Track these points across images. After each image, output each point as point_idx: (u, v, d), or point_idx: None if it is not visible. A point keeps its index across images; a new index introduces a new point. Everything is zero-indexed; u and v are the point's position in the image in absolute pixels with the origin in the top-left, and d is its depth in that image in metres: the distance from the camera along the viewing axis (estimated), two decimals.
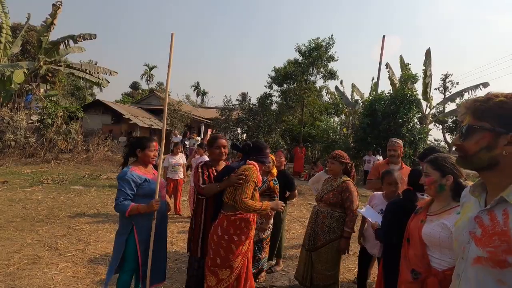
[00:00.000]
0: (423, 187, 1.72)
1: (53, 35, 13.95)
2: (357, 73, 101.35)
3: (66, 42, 13.96)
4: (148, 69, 50.77)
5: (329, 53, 16.19)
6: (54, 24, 13.47)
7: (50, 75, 16.48)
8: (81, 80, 15.51)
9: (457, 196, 1.59)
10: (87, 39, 14.19)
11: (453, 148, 1.05)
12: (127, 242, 2.41)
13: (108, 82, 15.98)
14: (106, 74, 15.45)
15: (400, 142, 3.57)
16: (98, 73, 15.09)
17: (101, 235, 4.52)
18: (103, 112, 20.35)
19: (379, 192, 2.88)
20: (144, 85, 49.97)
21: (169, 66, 2.56)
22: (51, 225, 4.81)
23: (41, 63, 13.00)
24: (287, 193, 3.73)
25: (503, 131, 0.89)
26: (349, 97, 20.35)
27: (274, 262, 3.79)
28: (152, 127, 20.03)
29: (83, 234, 4.50)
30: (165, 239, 2.68)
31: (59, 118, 12.66)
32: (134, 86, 49.61)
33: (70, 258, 3.65)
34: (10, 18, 13.04)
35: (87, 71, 14.78)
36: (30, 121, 12.94)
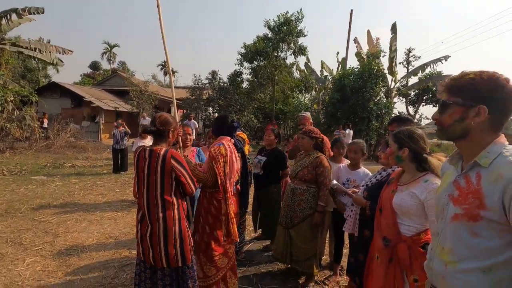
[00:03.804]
0: None
1: None
2: (324, 50, 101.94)
3: (9, 17, 12.36)
4: (109, 48, 47.08)
5: (299, 28, 16.01)
6: None
7: None
8: (33, 60, 13.97)
9: (420, 167, 1.69)
10: (34, 14, 12.67)
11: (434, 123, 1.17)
12: None
13: (62, 62, 14.57)
14: (59, 53, 14.04)
15: (306, 114, 3.77)
16: (50, 52, 13.66)
17: (71, 226, 4.31)
18: (60, 95, 18.85)
19: (341, 164, 3.04)
20: (105, 65, 46.54)
21: (162, 37, 2.56)
22: (13, 219, 4.49)
23: None
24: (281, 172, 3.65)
25: (472, 104, 1.01)
26: (319, 73, 20.54)
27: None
28: (117, 109, 18.96)
29: (50, 226, 4.26)
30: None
31: (10, 103, 11.49)
32: (94, 66, 45.98)
33: (37, 252, 3.46)
34: None
35: (37, 50, 13.33)
36: None
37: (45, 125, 13.36)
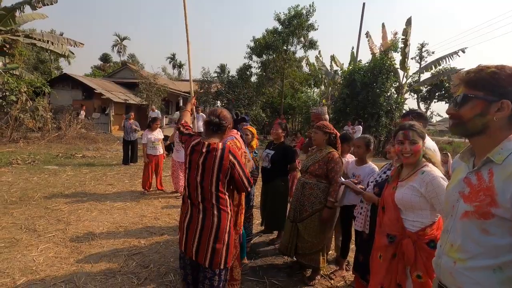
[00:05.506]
0: None
1: (7, 1, 12.47)
2: (336, 44, 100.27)
3: (22, 8, 12.53)
4: (119, 40, 47.45)
5: (309, 22, 15.81)
6: None
7: (7, 46, 14.95)
8: (46, 52, 14.17)
9: (423, 157, 1.72)
10: (47, 5, 12.81)
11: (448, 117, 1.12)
12: None
13: (74, 54, 14.76)
14: (71, 45, 14.21)
15: (323, 109, 3.76)
16: (62, 44, 13.83)
17: (82, 215, 4.41)
18: (72, 87, 19.13)
19: (349, 159, 3.02)
20: (115, 57, 46.97)
21: (186, 30, 2.73)
22: (27, 207, 4.62)
23: None
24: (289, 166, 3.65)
25: (495, 99, 0.98)
26: (329, 67, 20.26)
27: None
28: (127, 102, 19.16)
29: (62, 214, 4.37)
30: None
31: (23, 94, 11.73)
32: (105, 58, 46.44)
33: (50, 239, 3.56)
34: None
35: (49, 42, 13.51)
36: None
37: (82, 116, 13.65)
